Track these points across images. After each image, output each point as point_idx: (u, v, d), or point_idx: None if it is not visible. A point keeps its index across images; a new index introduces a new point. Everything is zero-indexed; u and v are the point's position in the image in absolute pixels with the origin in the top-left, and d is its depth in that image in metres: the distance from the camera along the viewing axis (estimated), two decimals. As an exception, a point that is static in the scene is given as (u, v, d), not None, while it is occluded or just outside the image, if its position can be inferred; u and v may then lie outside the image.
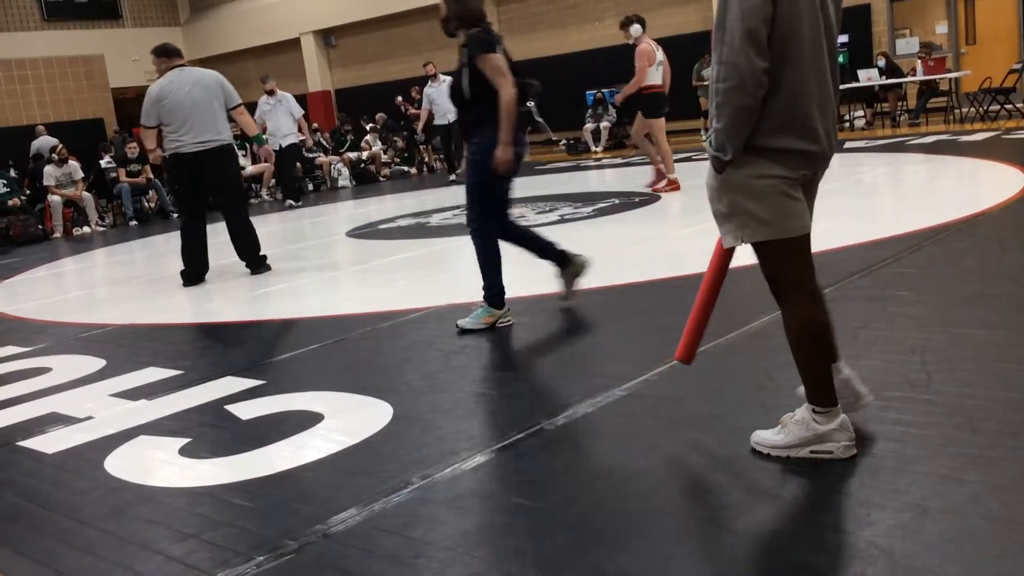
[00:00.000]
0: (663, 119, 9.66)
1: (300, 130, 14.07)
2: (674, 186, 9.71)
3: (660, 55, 9.53)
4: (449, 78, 14.47)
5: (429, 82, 14.49)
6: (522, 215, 9.25)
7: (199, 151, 7.08)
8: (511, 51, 4.83)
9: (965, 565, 2.07)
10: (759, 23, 2.44)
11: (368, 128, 17.60)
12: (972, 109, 13.58)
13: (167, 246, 11.05)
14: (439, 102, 14.36)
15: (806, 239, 2.66)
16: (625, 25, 9.51)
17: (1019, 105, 13.59)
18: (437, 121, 14.72)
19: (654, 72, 9.41)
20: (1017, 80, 13.70)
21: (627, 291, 5.33)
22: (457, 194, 12.57)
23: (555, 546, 2.35)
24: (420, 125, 15.54)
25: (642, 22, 9.55)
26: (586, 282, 5.07)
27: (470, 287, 5.97)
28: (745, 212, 2.60)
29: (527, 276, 5.34)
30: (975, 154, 9.76)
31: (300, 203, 13.84)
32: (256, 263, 7.56)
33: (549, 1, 19.47)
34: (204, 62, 26.17)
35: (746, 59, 2.44)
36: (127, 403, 4.15)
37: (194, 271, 7.41)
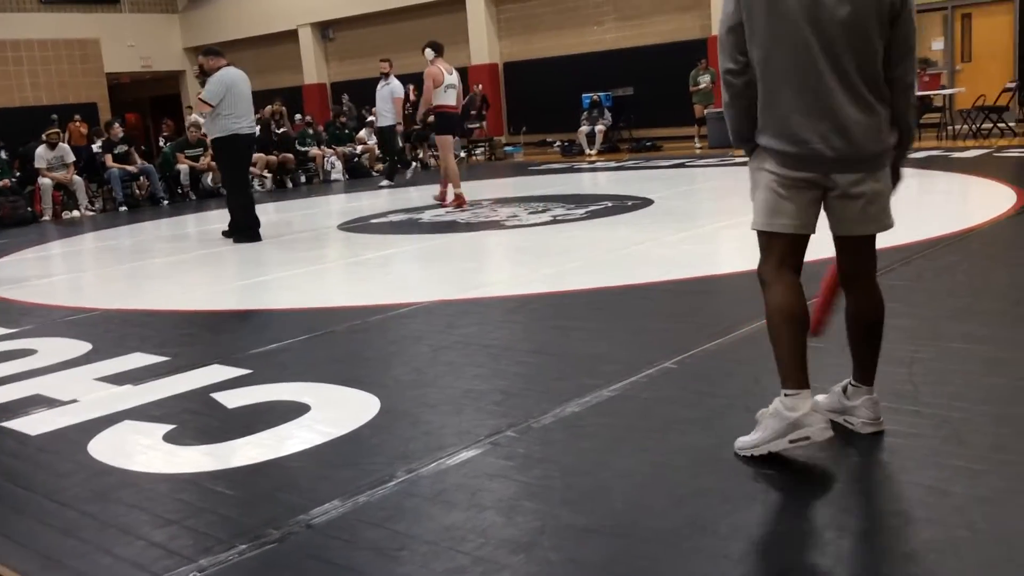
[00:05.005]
0: (450, 137, 10.66)
1: None
2: (459, 201, 10.25)
3: (452, 79, 10.33)
4: (395, 80, 14.04)
5: (381, 80, 13.98)
6: (515, 214, 9.26)
7: (249, 134, 8.79)
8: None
9: None
10: (726, 30, 2.75)
11: (367, 122, 17.55)
12: (965, 126, 13.65)
13: (156, 232, 11.02)
14: (378, 103, 14.11)
15: (791, 239, 2.74)
16: (422, 49, 10.50)
17: (1011, 124, 13.67)
18: (377, 123, 14.47)
19: (442, 93, 10.23)
20: (1011, 99, 13.78)
21: (618, 293, 5.33)
22: (465, 191, 12.54)
23: (539, 543, 2.35)
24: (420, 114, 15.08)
25: (436, 47, 10.39)
26: (577, 283, 5.07)
27: (461, 283, 5.97)
28: (754, 199, 2.81)
29: (517, 276, 5.34)
30: (967, 171, 9.81)
31: None
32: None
33: (548, 3, 19.48)
34: (200, 51, 26.10)
35: (720, 61, 2.80)
36: (112, 387, 4.12)
37: (256, 226, 8.88)
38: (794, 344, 2.70)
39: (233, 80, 8.57)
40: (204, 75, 8.85)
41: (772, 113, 2.71)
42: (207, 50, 9.10)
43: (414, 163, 15.05)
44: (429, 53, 10.39)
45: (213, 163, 14.95)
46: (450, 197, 10.47)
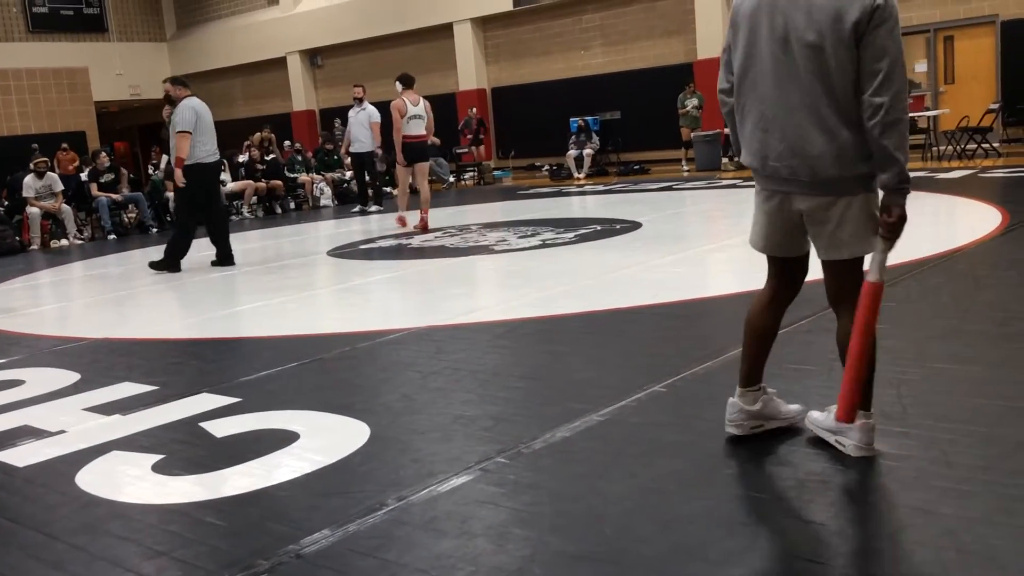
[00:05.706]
0: (418, 166, 11.08)
1: None
2: (402, 222, 11.28)
3: (417, 110, 10.76)
4: (370, 105, 14.06)
5: (355, 106, 14.02)
6: (504, 239, 9.28)
7: (215, 163, 8.88)
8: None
9: (937, 597, 2.08)
10: (722, 51, 2.96)
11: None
12: (949, 147, 13.76)
13: (144, 260, 10.98)
14: (353, 129, 14.08)
15: (769, 255, 2.99)
16: (395, 81, 11.07)
17: (995, 144, 13.80)
18: (353, 149, 14.40)
19: (405, 124, 10.74)
20: (994, 120, 13.91)
21: (607, 317, 5.34)
22: (454, 215, 12.59)
23: (529, 570, 2.34)
24: (343, 149, 14.97)
25: (404, 80, 10.93)
26: (566, 307, 5.07)
27: (450, 308, 5.97)
28: None
29: (506, 301, 5.35)
30: (952, 191, 9.89)
31: None
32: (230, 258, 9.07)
33: (535, 29, 19.62)
34: (189, 79, 26.12)
35: (718, 80, 3.00)
36: (101, 418, 4.10)
37: (182, 255, 8.84)
38: (745, 347, 2.98)
39: (199, 109, 8.63)
40: (169, 103, 8.95)
41: (743, 129, 2.86)
42: (174, 79, 9.13)
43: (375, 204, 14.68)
44: (398, 86, 10.86)
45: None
46: (412, 221, 10.91)
